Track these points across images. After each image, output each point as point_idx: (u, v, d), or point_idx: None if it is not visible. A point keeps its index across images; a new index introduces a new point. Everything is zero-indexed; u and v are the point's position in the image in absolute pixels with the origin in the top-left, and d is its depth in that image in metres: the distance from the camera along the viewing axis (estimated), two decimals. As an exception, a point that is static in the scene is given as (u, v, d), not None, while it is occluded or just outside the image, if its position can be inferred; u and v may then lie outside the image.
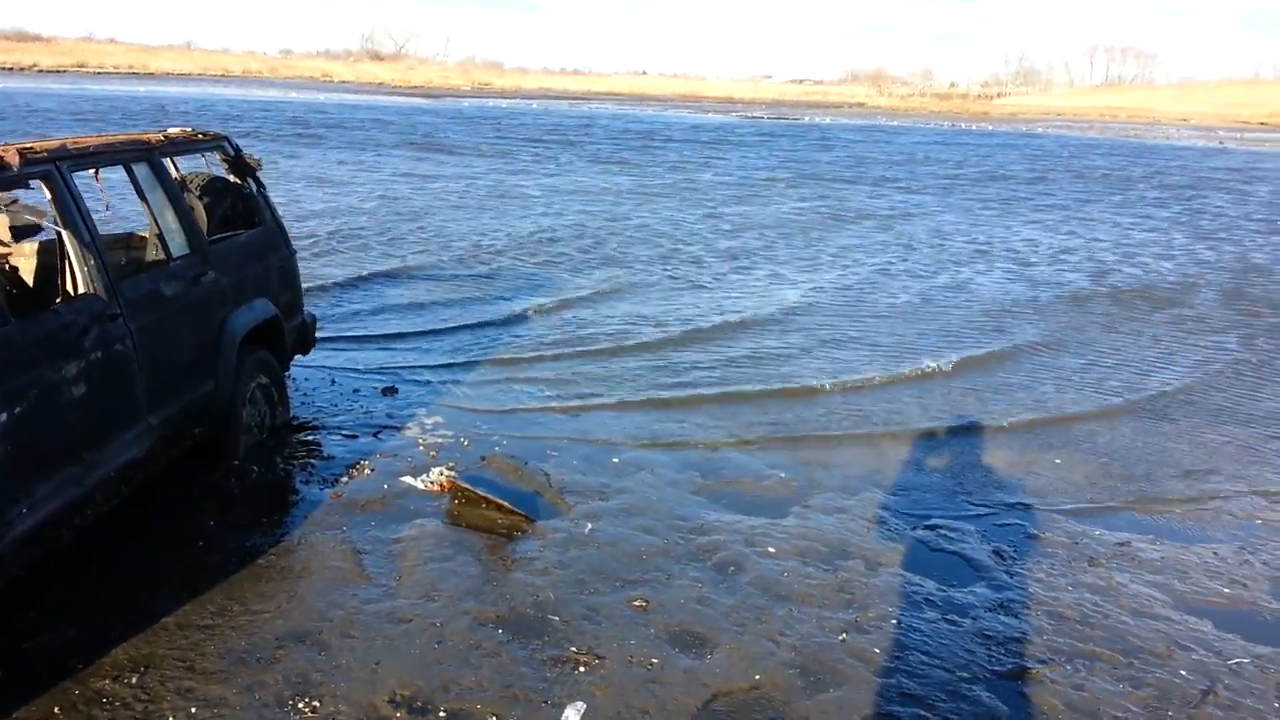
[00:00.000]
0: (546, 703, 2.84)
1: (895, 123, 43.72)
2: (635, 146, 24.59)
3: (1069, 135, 38.16)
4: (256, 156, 4.96)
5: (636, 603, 3.44)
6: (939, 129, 39.37)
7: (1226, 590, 3.75)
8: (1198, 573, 3.88)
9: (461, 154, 20.41)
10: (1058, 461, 5.01)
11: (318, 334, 5.32)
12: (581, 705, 2.81)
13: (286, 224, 5.08)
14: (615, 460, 4.75)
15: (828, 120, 43.96)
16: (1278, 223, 14.59)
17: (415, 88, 63.45)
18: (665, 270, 9.44)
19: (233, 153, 4.68)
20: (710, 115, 45.25)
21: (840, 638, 3.28)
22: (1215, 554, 4.05)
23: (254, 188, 4.81)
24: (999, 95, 78.65)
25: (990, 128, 41.78)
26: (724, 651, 3.17)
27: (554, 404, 5.50)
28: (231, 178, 4.80)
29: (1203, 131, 45.54)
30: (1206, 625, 3.49)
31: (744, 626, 3.32)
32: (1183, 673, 3.17)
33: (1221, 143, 36.59)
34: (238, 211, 4.81)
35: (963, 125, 43.72)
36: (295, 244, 5.07)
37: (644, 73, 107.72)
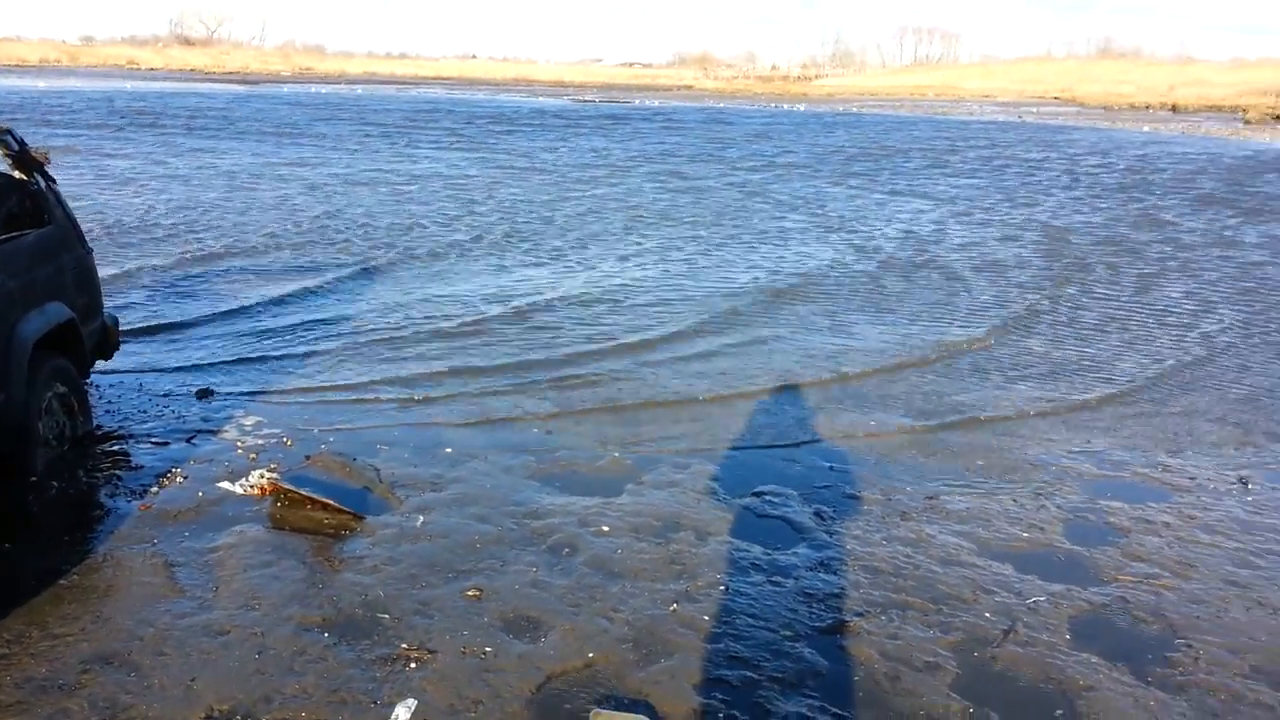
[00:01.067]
0: (376, 703, 2.76)
1: (723, 104, 44.59)
2: (494, 130, 24.18)
3: (891, 114, 39.81)
4: (43, 150, 4.61)
5: (470, 593, 3.39)
6: (776, 110, 40.39)
7: (1025, 535, 4.00)
8: (1000, 520, 4.13)
9: (305, 141, 19.56)
10: (873, 423, 5.23)
11: (122, 337, 5.00)
12: (412, 702, 2.76)
13: (84, 222, 4.74)
14: (448, 450, 4.66)
15: (657, 103, 44.44)
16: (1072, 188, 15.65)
17: (231, 73, 60.42)
18: (505, 255, 9.33)
19: (16, 147, 4.33)
20: (545, 99, 44.98)
21: (671, 608, 3.33)
22: (1015, 501, 4.32)
23: (42, 183, 4.45)
24: (817, 76, 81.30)
25: (829, 108, 43.13)
26: (558, 633, 3.16)
27: (385, 396, 5.36)
28: (16, 173, 4.44)
29: (1003, 106, 48.35)
30: (1008, 568, 3.71)
31: (578, 606, 3.33)
32: (987, 614, 3.37)
33: (1020, 117, 38.95)
34: (24, 209, 4.45)
35: (785, 106, 45.00)
36: (108, 239, 4.74)
37: (473, 56, 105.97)
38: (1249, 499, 4.38)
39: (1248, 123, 34.08)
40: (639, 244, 10.21)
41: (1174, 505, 4.30)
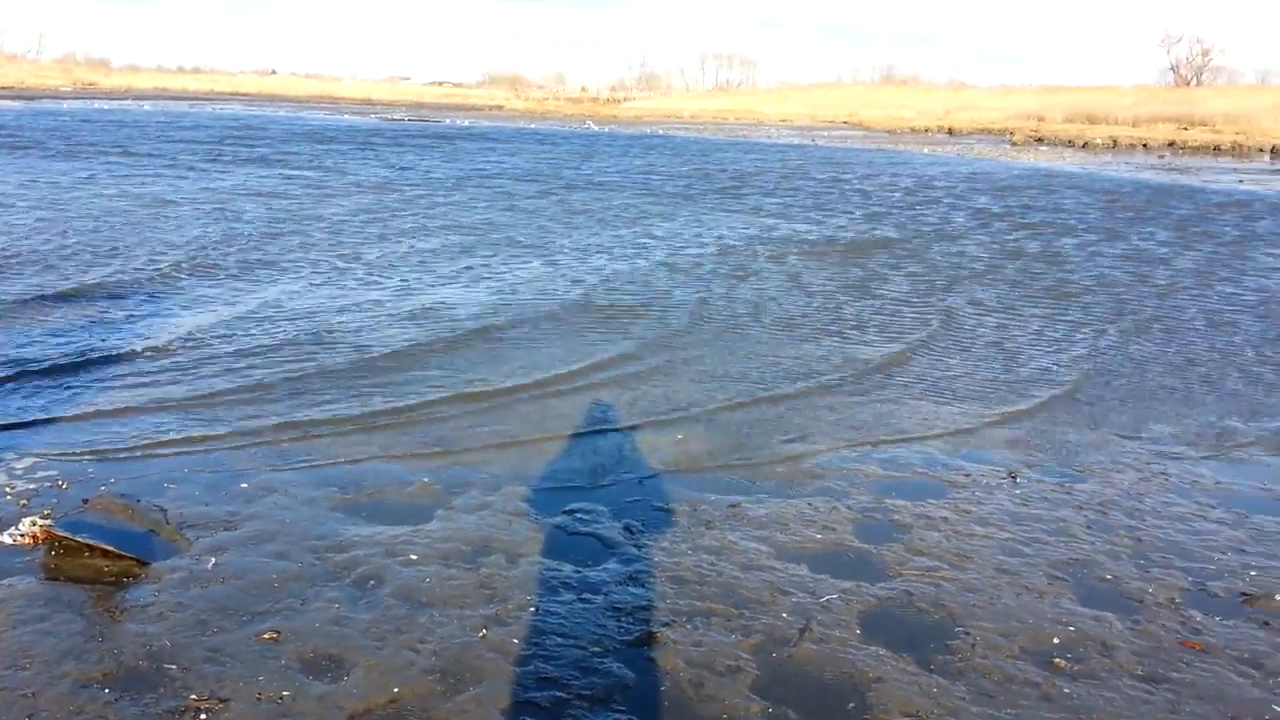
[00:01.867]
0: (162, 759, 2.59)
1: (535, 125, 44.68)
2: (315, 149, 23.15)
3: (707, 137, 40.93)
4: None
5: (266, 635, 3.23)
6: (590, 131, 40.72)
7: (819, 536, 4.19)
8: (796, 523, 4.30)
9: (96, 159, 18.12)
10: (679, 437, 5.35)
11: None
12: (203, 754, 2.60)
13: None
14: (244, 486, 4.44)
15: (468, 122, 44.04)
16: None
17: (4, 89, 55.57)
18: (325, 273, 8.97)
19: None
20: (353, 118, 43.70)
21: (481, 634, 3.29)
22: (810, 505, 4.51)
23: None
24: (626, 99, 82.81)
25: (637, 130, 43.82)
26: (362, 670, 3.06)
27: (174, 431, 5.04)
28: None
29: (799, 130, 50.67)
30: (804, 569, 3.87)
31: (383, 640, 3.23)
32: (784, 615, 3.50)
33: (813, 140, 40.92)
34: None
35: (595, 126, 45.54)
36: None
37: (273, 72, 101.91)
38: (1017, 492, 4.74)
39: (1014, 144, 37.10)
40: (467, 262, 10.06)
41: (951, 501, 4.60)
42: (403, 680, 3.01)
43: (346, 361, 6.42)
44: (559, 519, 4.28)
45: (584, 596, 3.59)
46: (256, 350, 6.57)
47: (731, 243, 12.08)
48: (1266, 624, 3.54)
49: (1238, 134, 37.33)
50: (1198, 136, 36.90)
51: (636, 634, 3.34)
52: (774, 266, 10.55)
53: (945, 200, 17.20)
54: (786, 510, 4.45)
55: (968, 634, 3.41)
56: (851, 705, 3.00)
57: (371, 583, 3.61)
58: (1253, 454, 5.30)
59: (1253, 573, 3.94)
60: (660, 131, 41.86)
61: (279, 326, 7.24)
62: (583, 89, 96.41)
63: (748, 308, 8.49)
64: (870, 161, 26.60)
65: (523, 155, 25.12)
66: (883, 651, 3.28)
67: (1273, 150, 32.34)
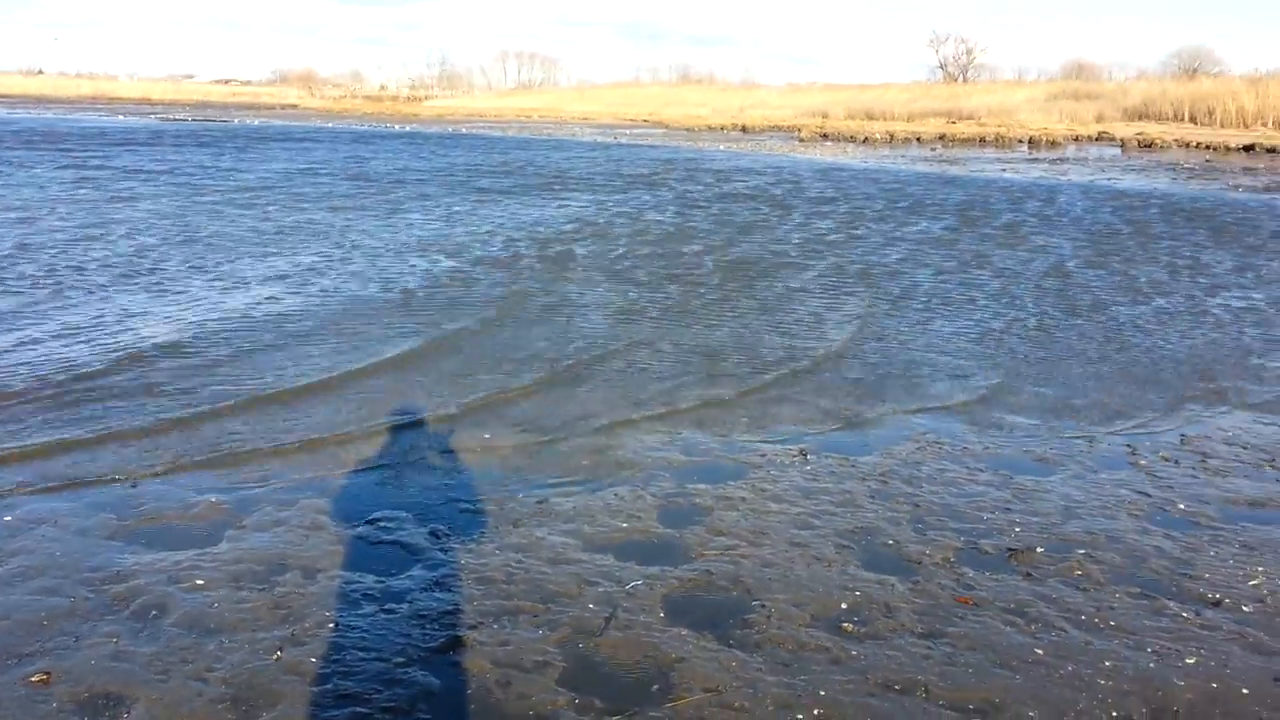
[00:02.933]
0: (-94, 829, 2.32)
1: (332, 124, 43.08)
2: (104, 150, 21.22)
3: (513, 135, 40.51)
4: None
5: (35, 678, 2.96)
6: (391, 131, 39.56)
7: (625, 525, 4.24)
8: (603, 514, 4.34)
9: None
10: (487, 436, 5.29)
11: None
12: (-44, 818, 2.35)
13: None
14: (7, 519, 4.06)
15: (258, 121, 41.94)
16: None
17: None
18: (111, 286, 8.27)
19: None
20: (131, 119, 40.72)
21: (275, 656, 3.14)
22: (616, 495, 4.56)
23: None
24: (427, 98, 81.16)
25: (441, 129, 42.86)
26: (143, 706, 2.86)
27: (-80, 467, 4.54)
28: None
29: (602, 128, 51.15)
30: (609, 559, 3.91)
31: (168, 672, 3.03)
32: (590, 606, 3.52)
33: (616, 137, 41.42)
34: None
35: (395, 126, 44.40)
36: None
37: (39, 71, 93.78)
38: (808, 469, 4.95)
39: (802, 140, 38.80)
40: (265, 264, 9.54)
41: (749, 481, 4.76)
42: (189, 712, 2.83)
43: (125, 376, 5.98)
44: (361, 529, 4.14)
45: (387, 607, 3.49)
46: (19, 368, 6.02)
47: (545, 235, 12.04)
48: (1029, 575, 3.84)
49: (1000, 126, 40.47)
50: (965, 129, 39.75)
51: (442, 640, 3.27)
52: (589, 258, 10.60)
53: (747, 192, 17.79)
54: (593, 502, 4.48)
55: (764, 607, 3.54)
56: (656, 687, 3.05)
57: (154, 613, 3.38)
58: (1016, 420, 5.74)
59: (1017, 529, 4.27)
60: (465, 130, 41.26)
61: (51, 342, 6.65)
62: (381, 87, 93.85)
63: (558, 298, 8.49)
64: (670, 159, 27.18)
65: (319, 153, 24.18)
66: (685, 632, 3.36)
67: (1030, 141, 35.24)
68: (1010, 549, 4.06)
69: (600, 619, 3.42)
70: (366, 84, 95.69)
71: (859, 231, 13.25)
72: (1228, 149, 30.93)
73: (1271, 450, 5.23)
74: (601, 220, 13.92)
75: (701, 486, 4.68)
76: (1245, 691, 3.04)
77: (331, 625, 3.34)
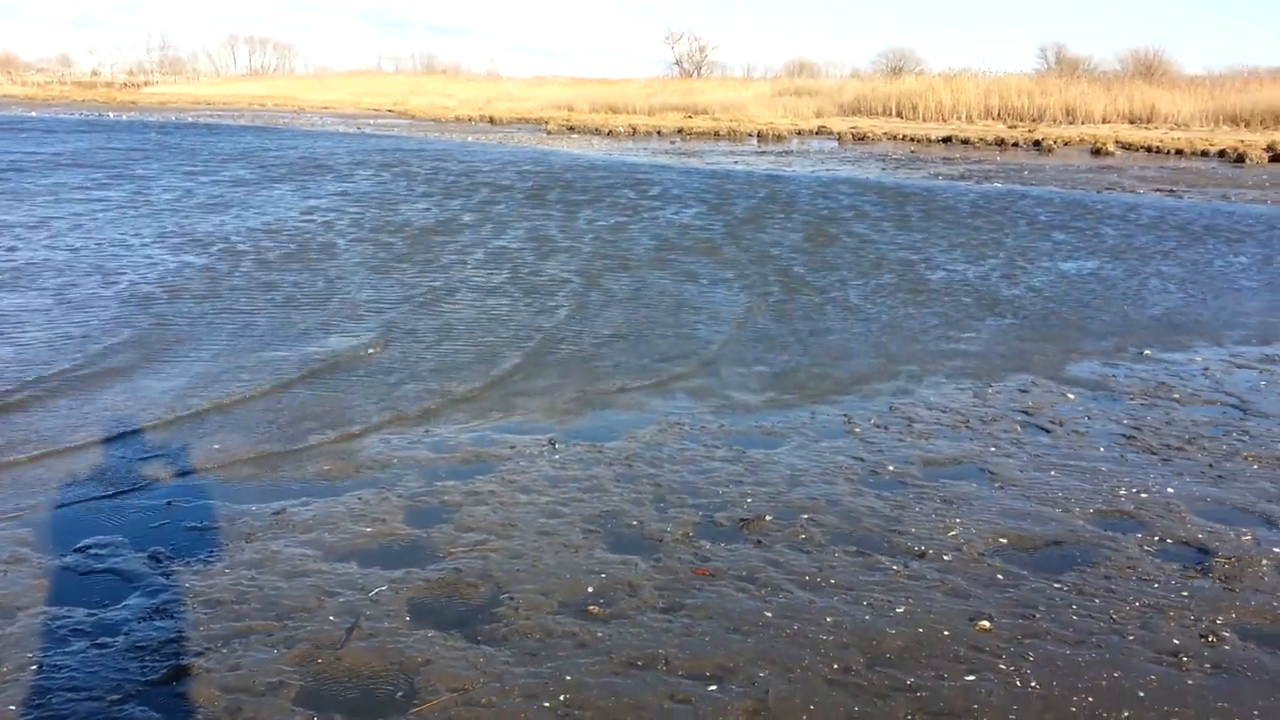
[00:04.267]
0: None
1: (35, 113, 38.71)
2: None
3: (246, 125, 37.93)
4: None
5: None
6: (106, 120, 35.95)
7: (369, 529, 4.08)
8: (345, 520, 4.16)
9: None
10: (217, 446, 4.93)
11: None
12: None
13: None
14: None
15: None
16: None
17: None
18: None
19: None
20: None
21: (-37, 711, 2.77)
22: (360, 499, 4.39)
23: None
24: (146, 84, 74.69)
25: (162, 118, 39.45)
26: None
27: None
28: None
29: (343, 118, 49.13)
30: (352, 567, 3.75)
31: None
32: (331, 618, 3.36)
33: (359, 128, 39.91)
34: None
35: (112, 115, 40.58)
36: None
37: None
38: (556, 457, 4.98)
39: (549, 133, 39.02)
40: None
41: (498, 474, 4.72)
42: None
43: None
44: (69, 558, 3.74)
45: (100, 642, 3.17)
46: None
47: (288, 230, 11.37)
48: (759, 543, 4.05)
49: (732, 121, 42.48)
50: (701, 123, 41.43)
51: (164, 671, 3.01)
52: (347, 250, 10.11)
53: (503, 184, 17.63)
54: (335, 508, 4.28)
55: (512, 599, 3.52)
56: (401, 694, 2.95)
57: None
58: (748, 399, 6.04)
59: (749, 500, 4.49)
60: (191, 119, 38.30)
61: None
62: (94, 73, 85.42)
63: (292, 290, 8.05)
64: (420, 149, 26.52)
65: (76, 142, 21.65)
66: (432, 633, 3.28)
67: (758, 135, 37.24)
68: (743, 519, 4.27)
69: (342, 630, 3.28)
70: (77, 69, 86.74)
71: (617, 220, 13.48)
72: (930, 141, 34.06)
73: (966, 413, 5.79)
74: (346, 216, 13.36)
75: (450, 483, 4.59)
76: (946, 633, 3.36)
77: (34, 667, 3.00)
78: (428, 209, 14.32)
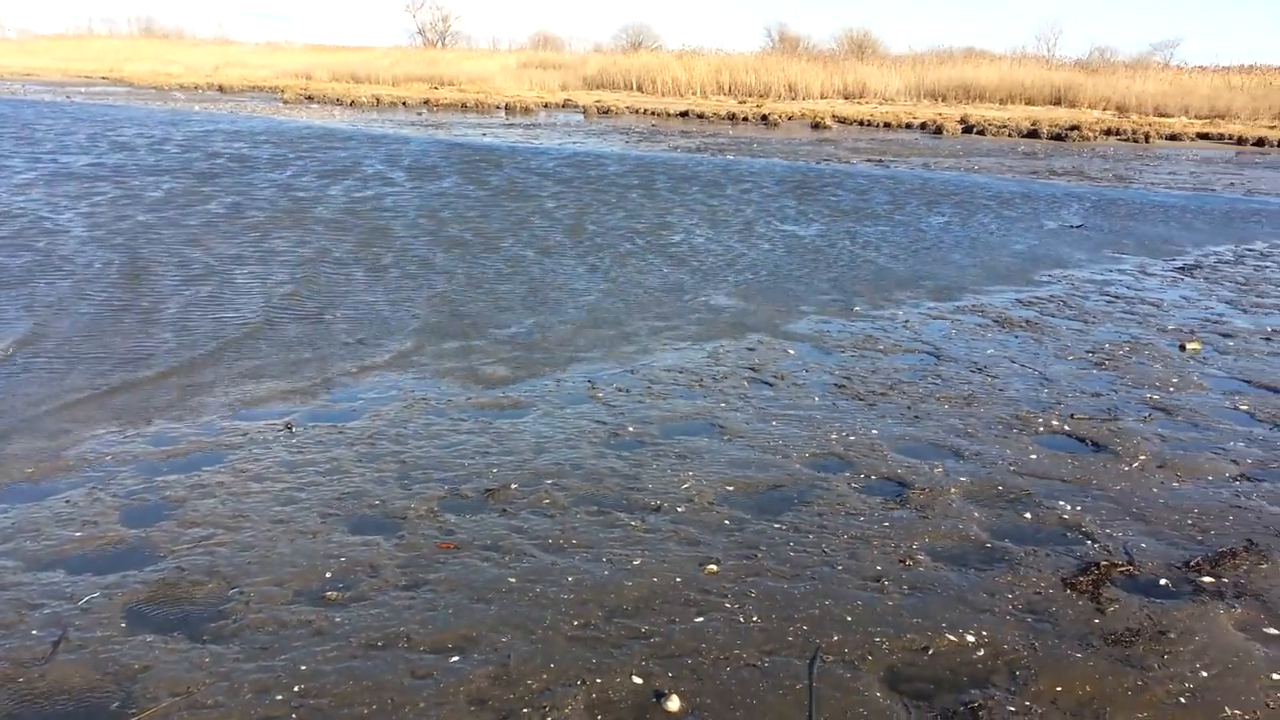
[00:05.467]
0: None
1: None
2: None
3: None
4: None
5: None
6: None
7: (79, 534, 3.72)
8: (50, 526, 3.76)
9: None
10: (-111, 457, 4.31)
11: None
12: None
13: None
14: None
15: None
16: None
17: None
18: None
19: None
20: None
21: None
22: (68, 502, 3.98)
23: None
24: None
25: None
26: None
27: None
28: None
29: (50, 86, 44.04)
30: (59, 575, 3.41)
31: None
32: (34, 632, 3.04)
33: (69, 97, 35.92)
34: None
35: None
36: None
37: None
38: (294, 442, 4.74)
39: (286, 102, 36.76)
40: None
41: (228, 464, 4.43)
42: None
43: None
44: None
45: None
46: None
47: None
48: (504, 511, 4.05)
49: (479, 93, 41.82)
50: (448, 95, 40.48)
51: None
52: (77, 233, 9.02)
53: (235, 154, 16.38)
54: (39, 514, 3.86)
55: (242, 594, 3.32)
56: (116, 705, 2.72)
57: None
58: (498, 371, 6.00)
59: (495, 470, 4.47)
60: None
61: None
62: None
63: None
64: (148, 119, 24.18)
65: None
66: (151, 638, 3.04)
67: (506, 107, 36.90)
68: (488, 489, 4.25)
69: (48, 644, 2.97)
70: None
71: (373, 191, 12.90)
72: (669, 115, 35.09)
73: (700, 372, 6.04)
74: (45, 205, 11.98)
75: (173, 478, 4.26)
76: (678, 580, 3.51)
77: None
78: (155, 182, 13.12)
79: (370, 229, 10.51)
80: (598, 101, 38.37)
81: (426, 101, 38.16)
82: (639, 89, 44.46)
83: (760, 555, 3.69)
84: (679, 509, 4.10)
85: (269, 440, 4.74)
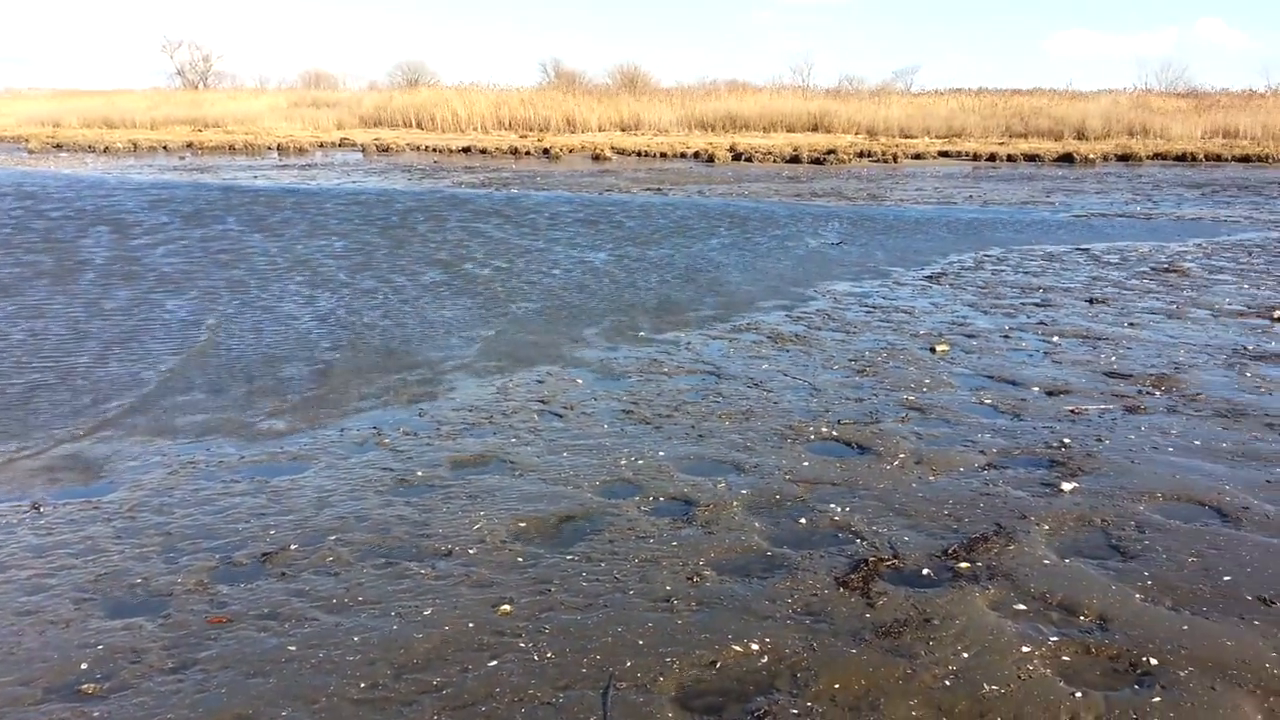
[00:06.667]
0: None
1: None
2: None
3: None
4: None
5: None
6: None
7: None
8: None
9: None
10: None
11: None
12: None
13: None
14: None
15: None
16: None
17: None
18: None
19: None
20: None
21: None
22: None
23: None
24: None
25: None
26: None
27: None
28: None
29: None
30: None
31: None
32: None
33: None
34: None
35: None
36: None
37: None
38: (42, 523, 4.29)
39: (31, 152, 33.64)
40: None
41: (-39, 556, 3.94)
42: None
43: None
44: None
45: None
46: None
47: None
48: (283, 574, 3.82)
49: (248, 134, 39.86)
50: (213, 137, 38.29)
51: None
52: None
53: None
54: None
55: (-23, 701, 2.96)
56: None
57: None
58: (275, 425, 5.68)
59: (273, 532, 4.22)
60: None
61: None
62: None
63: None
64: None
65: None
66: None
67: (279, 148, 35.34)
68: (265, 553, 4.00)
69: None
70: None
71: (138, 243, 11.90)
72: (451, 151, 34.73)
73: (490, 409, 5.96)
74: None
75: (-109, 578, 3.74)
76: (471, 625, 3.42)
77: None
78: None
79: (125, 276, 9.74)
80: (376, 139, 37.46)
81: (190, 144, 35.95)
82: (419, 126, 43.80)
83: (554, 589, 3.67)
84: (470, 551, 4.01)
85: (12, 524, 4.27)
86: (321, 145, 37.07)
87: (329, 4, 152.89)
